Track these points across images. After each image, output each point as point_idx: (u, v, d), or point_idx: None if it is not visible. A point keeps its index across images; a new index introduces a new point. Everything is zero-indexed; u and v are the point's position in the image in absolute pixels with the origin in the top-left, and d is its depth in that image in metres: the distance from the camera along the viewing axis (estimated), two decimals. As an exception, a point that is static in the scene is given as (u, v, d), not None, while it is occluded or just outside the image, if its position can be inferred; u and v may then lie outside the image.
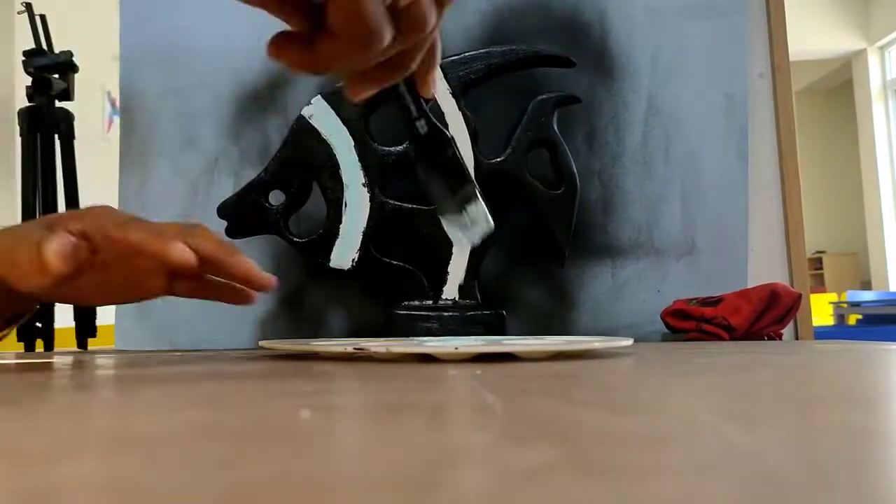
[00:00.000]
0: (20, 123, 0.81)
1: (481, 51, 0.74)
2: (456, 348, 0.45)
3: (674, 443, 0.19)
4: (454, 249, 0.73)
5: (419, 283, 0.73)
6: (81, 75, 0.83)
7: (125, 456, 0.19)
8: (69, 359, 0.61)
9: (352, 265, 0.72)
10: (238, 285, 0.51)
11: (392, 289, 0.73)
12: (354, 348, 0.46)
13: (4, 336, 0.57)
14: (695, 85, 0.86)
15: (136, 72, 0.84)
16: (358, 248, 0.72)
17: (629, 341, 0.51)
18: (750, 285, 0.82)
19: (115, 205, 0.84)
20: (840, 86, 6.40)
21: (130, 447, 0.20)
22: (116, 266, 0.50)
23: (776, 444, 0.19)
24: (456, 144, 0.47)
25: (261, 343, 0.55)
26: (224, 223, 0.73)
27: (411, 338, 0.68)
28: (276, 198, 0.73)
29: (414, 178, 0.73)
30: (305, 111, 0.73)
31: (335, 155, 0.72)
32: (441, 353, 0.46)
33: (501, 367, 0.41)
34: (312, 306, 0.82)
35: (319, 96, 0.72)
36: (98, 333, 0.82)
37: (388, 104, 0.74)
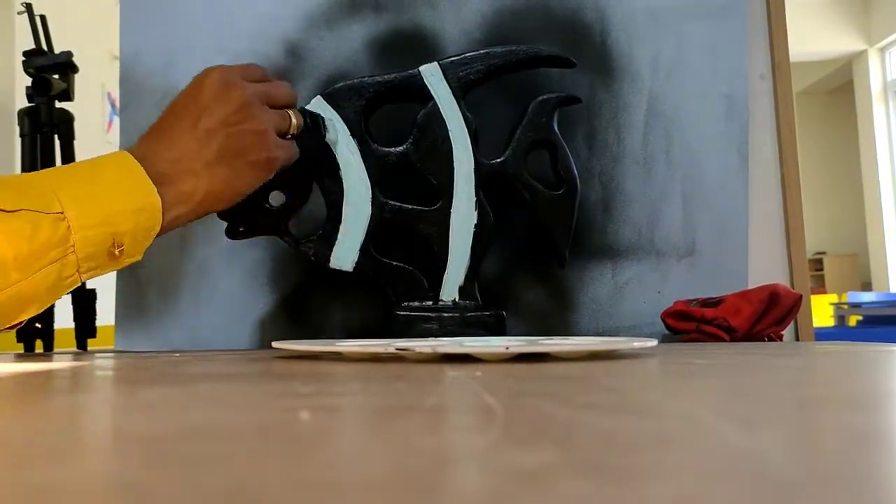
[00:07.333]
0: (20, 124, 0.81)
1: (481, 51, 0.74)
2: (506, 348, 0.45)
3: (674, 444, 0.19)
4: (454, 250, 0.73)
5: (419, 283, 0.73)
6: (81, 76, 0.83)
7: (125, 456, 0.19)
8: (69, 359, 0.61)
9: (352, 266, 0.72)
10: None
11: (392, 289, 0.73)
12: (397, 348, 0.45)
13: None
14: (695, 86, 0.86)
15: (136, 72, 0.84)
16: (358, 248, 0.72)
17: (654, 342, 0.51)
18: (750, 286, 0.82)
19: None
20: (841, 87, 6.41)
21: (130, 447, 0.20)
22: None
23: (777, 446, 0.19)
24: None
25: (275, 344, 0.55)
26: (223, 224, 0.73)
27: (451, 338, 0.68)
28: (276, 198, 0.73)
29: (414, 178, 0.74)
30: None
31: (335, 155, 0.72)
32: (482, 353, 0.45)
33: (500, 368, 0.41)
34: (312, 307, 0.82)
35: (319, 97, 0.72)
36: (98, 334, 0.81)
37: (389, 104, 0.75)
